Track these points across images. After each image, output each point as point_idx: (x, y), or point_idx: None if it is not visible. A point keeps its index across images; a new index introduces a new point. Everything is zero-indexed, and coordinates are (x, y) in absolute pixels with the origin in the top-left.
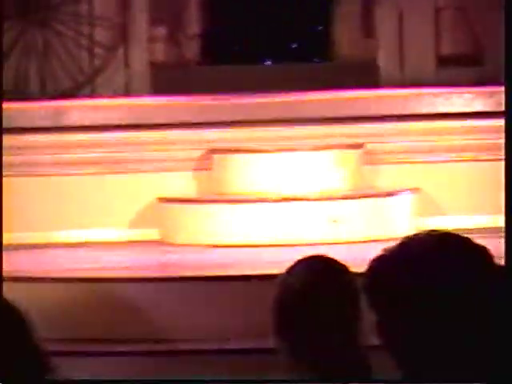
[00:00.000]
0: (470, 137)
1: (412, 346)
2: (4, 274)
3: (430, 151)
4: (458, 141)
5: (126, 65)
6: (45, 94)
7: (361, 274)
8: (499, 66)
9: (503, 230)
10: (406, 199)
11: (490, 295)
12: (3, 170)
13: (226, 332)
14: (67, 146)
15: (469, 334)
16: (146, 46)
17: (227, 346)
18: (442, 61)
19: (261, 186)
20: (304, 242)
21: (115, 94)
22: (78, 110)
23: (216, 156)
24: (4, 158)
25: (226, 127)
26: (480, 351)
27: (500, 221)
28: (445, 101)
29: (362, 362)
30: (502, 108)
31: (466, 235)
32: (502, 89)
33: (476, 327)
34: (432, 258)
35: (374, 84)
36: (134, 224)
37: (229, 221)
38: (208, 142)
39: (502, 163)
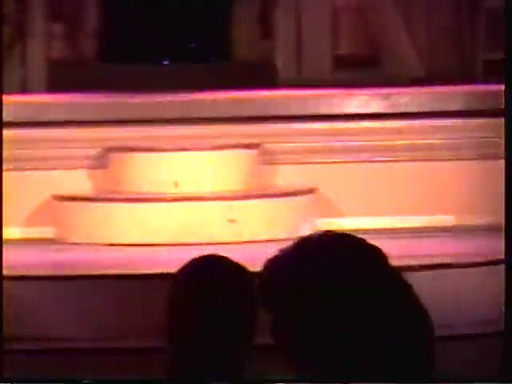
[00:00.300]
0: (367, 138)
1: (306, 346)
2: None
3: (328, 152)
4: (354, 142)
5: (23, 61)
6: None
7: (257, 274)
8: (396, 68)
9: (400, 230)
10: (303, 200)
11: (383, 295)
12: None
13: (121, 331)
14: None
15: (362, 333)
16: (43, 42)
17: (121, 345)
18: (340, 62)
19: (158, 184)
20: (202, 242)
21: (11, 91)
22: None
23: (112, 154)
24: None
25: (123, 126)
26: (374, 350)
27: (396, 222)
28: (341, 102)
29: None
30: (399, 109)
31: (361, 236)
32: (398, 90)
33: (369, 327)
34: (326, 258)
35: (272, 84)
36: (29, 222)
37: (125, 220)
38: (105, 140)
39: (398, 164)
